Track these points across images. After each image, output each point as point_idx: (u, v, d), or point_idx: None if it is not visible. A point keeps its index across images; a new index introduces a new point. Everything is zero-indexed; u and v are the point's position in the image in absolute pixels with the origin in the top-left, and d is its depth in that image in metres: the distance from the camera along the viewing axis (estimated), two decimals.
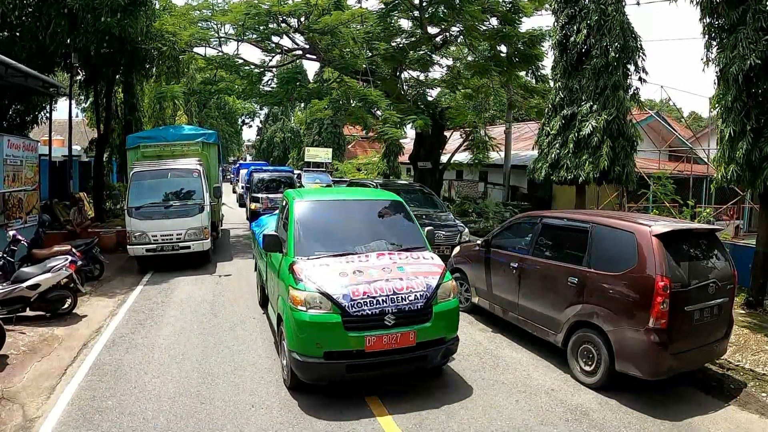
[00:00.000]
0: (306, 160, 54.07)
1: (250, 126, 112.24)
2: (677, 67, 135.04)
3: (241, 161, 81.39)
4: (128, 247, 17.47)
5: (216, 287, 15.87)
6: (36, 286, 12.15)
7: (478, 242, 12.93)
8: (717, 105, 13.10)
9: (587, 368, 9.12)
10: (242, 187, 41.08)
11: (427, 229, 10.30)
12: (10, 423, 7.77)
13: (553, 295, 9.91)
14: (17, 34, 19.92)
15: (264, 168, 36.64)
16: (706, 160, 28.24)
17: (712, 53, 13.12)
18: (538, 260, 10.47)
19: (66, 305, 12.80)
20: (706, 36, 13.25)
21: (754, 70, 11.70)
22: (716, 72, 12.97)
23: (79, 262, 13.51)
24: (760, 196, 13.52)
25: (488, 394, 8.73)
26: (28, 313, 12.43)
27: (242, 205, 40.65)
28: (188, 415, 7.95)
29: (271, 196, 28.41)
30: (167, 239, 17.45)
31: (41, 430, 7.56)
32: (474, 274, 12.75)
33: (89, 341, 11.24)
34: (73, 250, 13.89)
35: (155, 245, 17.36)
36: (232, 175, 60.69)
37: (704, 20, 13.24)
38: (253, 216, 26.37)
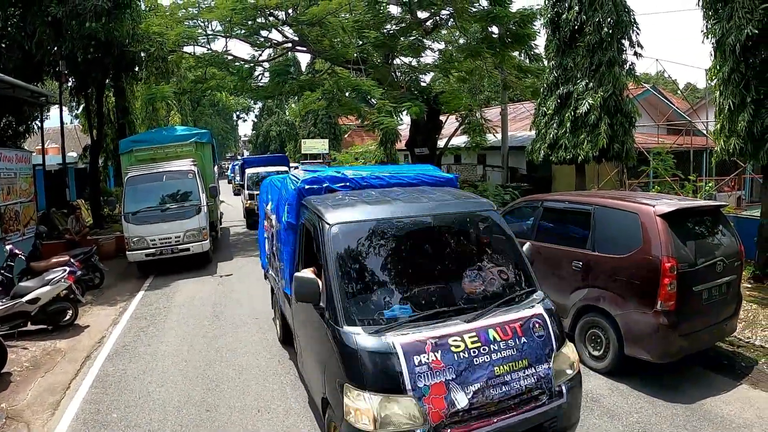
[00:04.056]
0: (303, 152, 53.89)
1: (245, 120, 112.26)
2: (671, 38, 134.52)
3: (239, 156, 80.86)
4: (127, 253, 17.40)
5: (217, 288, 15.80)
6: (36, 300, 12.06)
7: None
8: (714, 77, 12.95)
9: (596, 353, 9.00)
10: (249, 197, 28.17)
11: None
12: None
13: (557, 280, 9.74)
14: (2, 45, 19.75)
15: (314, 178, 8.72)
16: (704, 132, 28.05)
17: (710, 24, 12.93)
18: (540, 245, 10.27)
19: (67, 317, 12.74)
20: (703, 8, 13.04)
21: (751, 39, 11.53)
22: (712, 43, 12.80)
23: (78, 273, 13.40)
24: (762, 168, 13.36)
25: None
26: (30, 327, 12.34)
27: (252, 222, 27.19)
28: (194, 424, 7.88)
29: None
30: (166, 242, 17.37)
31: None
32: None
33: (92, 352, 11.18)
34: (72, 260, 13.80)
35: (154, 249, 17.29)
36: (232, 174, 58.22)
37: None
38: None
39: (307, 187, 7.98)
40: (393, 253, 6.71)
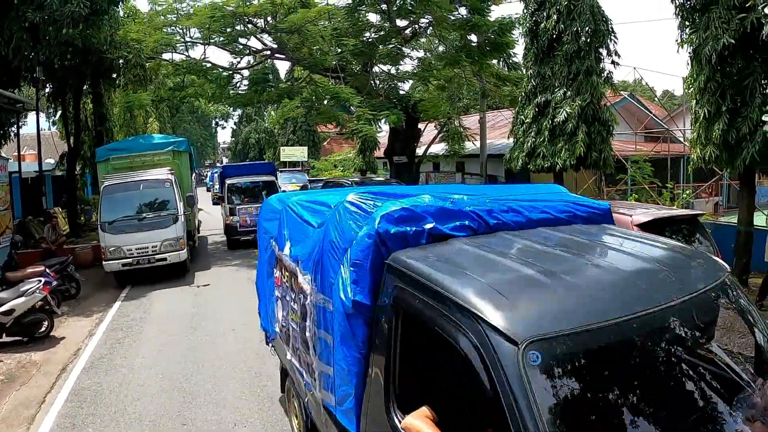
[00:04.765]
0: (282, 160, 53.72)
1: (224, 128, 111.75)
2: (649, 46, 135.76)
3: (218, 163, 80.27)
4: (104, 262, 17.21)
5: (195, 299, 15.68)
6: (10, 311, 11.89)
7: None
8: (691, 86, 13.10)
9: None
10: (229, 212, 24.11)
11: None
12: None
13: None
14: None
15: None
16: (681, 139, 28.29)
17: (685, 34, 13.10)
18: None
19: (43, 328, 12.54)
20: (679, 17, 13.21)
21: (728, 49, 11.66)
22: (689, 53, 12.95)
23: (54, 283, 13.26)
24: (739, 175, 13.51)
25: None
26: (5, 339, 12.15)
27: (233, 240, 24.40)
28: None
29: None
30: (143, 252, 17.20)
31: None
32: None
33: (68, 365, 11.04)
34: (47, 270, 13.65)
35: (131, 259, 17.12)
36: (211, 182, 56.75)
37: (676, 0, 13.21)
38: None
39: (393, 230, 4.27)
40: (639, 393, 3.27)
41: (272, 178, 25.84)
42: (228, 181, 25.32)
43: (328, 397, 5.09)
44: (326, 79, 25.32)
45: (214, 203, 41.68)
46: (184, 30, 24.35)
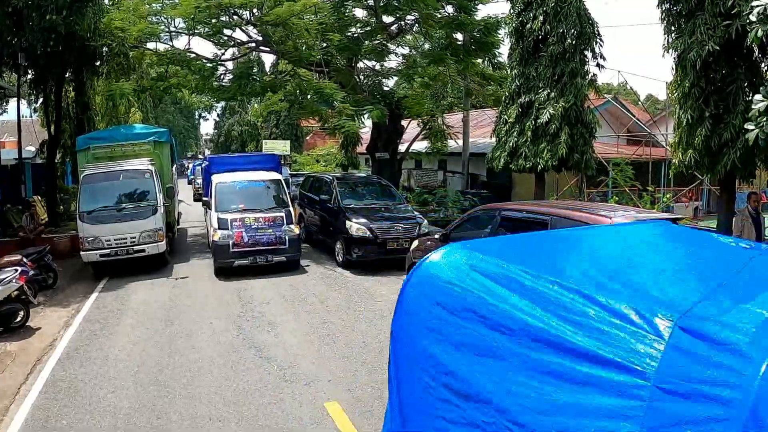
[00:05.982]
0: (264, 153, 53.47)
1: (207, 119, 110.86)
2: (634, 50, 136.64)
3: (200, 155, 79.61)
4: (81, 253, 17.03)
5: (172, 291, 15.57)
6: None
7: (437, 236, 12.84)
8: (675, 91, 13.20)
9: None
10: (218, 224, 17.04)
11: None
12: None
13: None
14: None
15: None
16: (664, 144, 28.49)
17: (671, 39, 13.21)
18: None
19: (18, 318, 12.39)
20: (665, 22, 13.32)
21: (712, 55, 11.78)
22: (674, 58, 13.06)
23: (31, 273, 13.14)
24: (719, 181, 13.63)
25: None
26: None
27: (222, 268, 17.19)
28: None
29: None
30: (121, 243, 17.03)
31: None
32: None
33: (43, 356, 10.92)
34: (24, 259, 13.52)
35: (109, 250, 16.93)
36: (192, 175, 55.16)
37: (662, 6, 13.33)
38: None
39: None
40: None
41: (278, 176, 19.96)
42: (216, 180, 18.91)
43: None
44: (310, 73, 25.25)
45: (196, 200, 37.75)
46: (169, 20, 24.20)
